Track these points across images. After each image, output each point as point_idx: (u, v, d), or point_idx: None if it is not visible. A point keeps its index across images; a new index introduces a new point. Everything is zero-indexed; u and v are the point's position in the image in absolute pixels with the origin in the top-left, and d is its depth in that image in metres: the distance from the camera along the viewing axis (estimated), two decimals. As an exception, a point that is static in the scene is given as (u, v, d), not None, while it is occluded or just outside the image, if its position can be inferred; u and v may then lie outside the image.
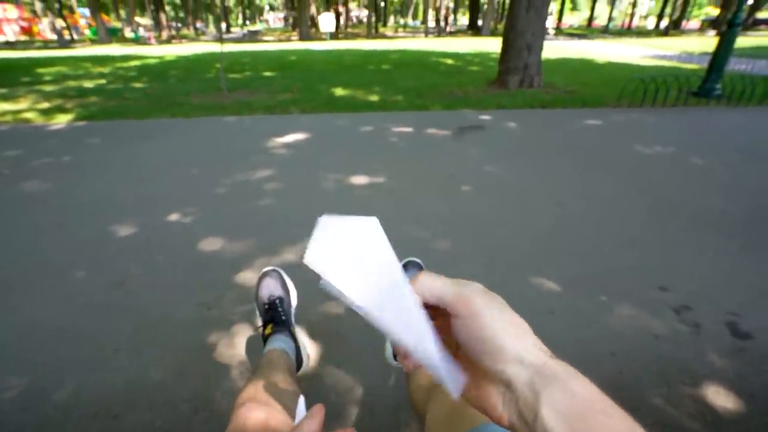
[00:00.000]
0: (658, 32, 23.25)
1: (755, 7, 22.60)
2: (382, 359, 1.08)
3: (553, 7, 31.79)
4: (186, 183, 2.56)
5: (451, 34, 23.81)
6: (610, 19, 29.01)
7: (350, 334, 1.29)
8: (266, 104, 4.85)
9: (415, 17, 60.09)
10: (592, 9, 34.97)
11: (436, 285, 0.27)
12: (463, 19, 45.15)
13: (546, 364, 0.23)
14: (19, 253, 1.80)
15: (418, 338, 0.25)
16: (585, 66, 8.19)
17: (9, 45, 20.54)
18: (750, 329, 1.29)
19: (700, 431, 0.98)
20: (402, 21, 58.71)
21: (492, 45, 11.93)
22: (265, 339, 0.94)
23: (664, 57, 9.83)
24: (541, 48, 5.46)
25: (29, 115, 4.48)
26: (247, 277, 1.59)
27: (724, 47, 4.51)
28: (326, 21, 19.30)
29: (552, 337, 1.26)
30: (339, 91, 5.67)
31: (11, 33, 27.15)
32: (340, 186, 2.49)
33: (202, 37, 25.40)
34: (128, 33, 26.63)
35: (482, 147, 3.23)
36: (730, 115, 4.09)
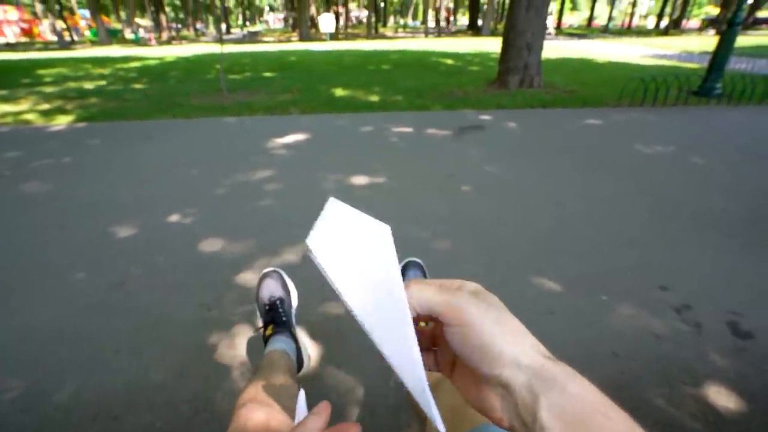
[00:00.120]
0: (658, 31, 23.27)
1: (755, 6, 22.58)
2: (383, 360, 1.08)
3: (553, 7, 31.80)
4: (186, 184, 2.56)
5: (451, 34, 23.82)
6: (610, 18, 29.03)
7: (351, 334, 1.29)
8: (266, 105, 4.85)
9: (414, 17, 60.13)
10: (592, 9, 34.98)
11: (425, 296, 0.26)
12: (463, 19, 45.13)
13: (543, 367, 0.23)
14: (19, 254, 1.80)
15: (406, 363, 0.25)
16: (585, 66, 8.19)
17: (9, 46, 20.58)
18: (751, 328, 1.29)
19: (701, 431, 0.98)
20: (402, 21, 58.74)
21: (492, 45, 11.93)
22: (266, 340, 0.94)
23: (664, 56, 9.83)
24: (541, 48, 5.46)
25: (29, 116, 4.49)
26: (248, 277, 1.59)
27: (725, 46, 4.51)
28: (326, 21, 19.31)
29: (552, 337, 1.26)
30: (339, 92, 5.67)
31: (12, 35, 27.19)
32: (340, 186, 2.49)
33: (202, 38, 25.43)
34: (128, 34, 26.66)
35: (482, 147, 3.23)
36: (731, 115, 4.09)
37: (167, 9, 33.40)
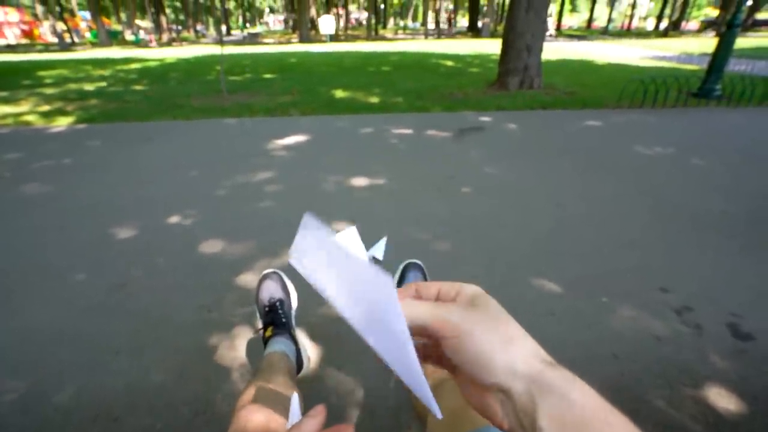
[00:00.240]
0: (657, 33, 23.30)
1: (754, 8, 22.63)
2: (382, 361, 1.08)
3: (553, 9, 31.89)
4: (186, 185, 2.56)
5: (451, 35, 23.86)
6: (609, 20, 29.07)
7: (351, 335, 1.28)
8: (266, 106, 4.86)
9: (414, 19, 60.24)
10: (592, 10, 35.05)
11: (416, 313, 0.26)
12: (463, 21, 45.22)
13: (542, 373, 0.23)
14: (19, 255, 1.80)
15: (400, 359, 0.25)
16: (585, 67, 8.20)
17: (10, 48, 20.63)
18: (751, 330, 1.29)
19: (701, 433, 0.98)
20: (402, 23, 58.84)
21: (492, 46, 11.95)
22: (266, 341, 0.94)
23: (663, 58, 9.84)
24: (540, 49, 5.46)
25: (30, 117, 4.49)
26: (248, 279, 1.59)
27: (724, 48, 4.52)
28: (326, 23, 19.36)
29: (552, 339, 1.26)
30: (339, 93, 5.68)
31: (12, 36, 27.26)
32: (340, 188, 2.49)
33: (203, 40, 25.47)
34: (129, 36, 26.70)
35: (482, 148, 3.23)
36: (730, 116, 4.10)
37: (167, 11, 33.47)
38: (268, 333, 0.95)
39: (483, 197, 2.33)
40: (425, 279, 1.13)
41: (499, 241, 1.86)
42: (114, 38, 25.55)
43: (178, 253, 1.79)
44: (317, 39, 21.40)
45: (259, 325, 1.03)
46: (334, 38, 21.32)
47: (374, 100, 5.24)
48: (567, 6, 41.02)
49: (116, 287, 1.56)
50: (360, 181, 2.57)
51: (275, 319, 0.98)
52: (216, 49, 15.02)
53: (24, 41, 27.61)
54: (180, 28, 40.55)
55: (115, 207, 2.26)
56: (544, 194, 2.35)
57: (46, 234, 1.99)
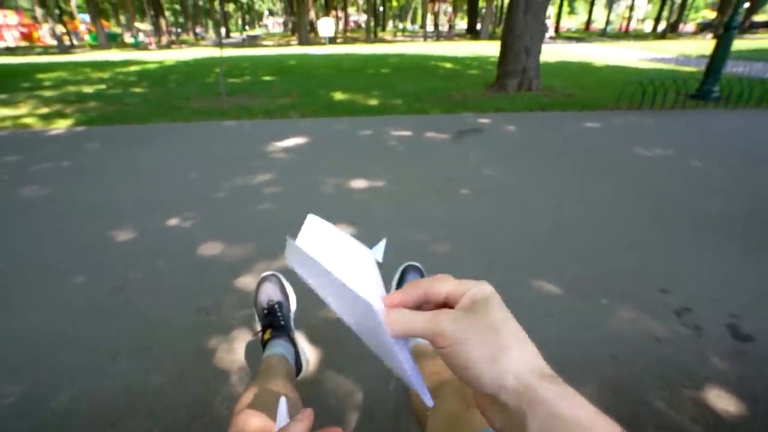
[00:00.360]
0: (655, 35, 23.42)
1: (751, 10, 22.73)
2: (382, 363, 1.08)
3: (551, 11, 31.99)
4: (185, 188, 2.56)
5: (450, 38, 23.93)
6: (607, 22, 29.13)
7: (350, 338, 1.29)
8: (266, 109, 4.86)
9: (413, 21, 60.44)
10: (590, 12, 35.22)
11: (410, 326, 0.26)
12: (461, 23, 45.35)
13: (531, 388, 0.23)
14: (18, 258, 1.80)
15: (390, 356, 0.26)
16: (583, 69, 8.23)
17: (9, 51, 20.64)
18: (751, 331, 1.29)
19: (701, 434, 0.98)
20: (401, 25, 58.98)
21: (490, 49, 11.99)
22: (264, 344, 0.94)
23: (661, 60, 9.88)
24: (539, 51, 5.48)
25: (29, 120, 4.49)
26: (247, 281, 1.59)
27: (722, 50, 4.54)
28: (325, 26, 19.39)
29: (551, 341, 1.26)
30: (338, 96, 5.69)
31: (11, 39, 27.29)
32: (339, 190, 2.49)
33: (202, 42, 25.52)
34: (128, 38, 26.74)
35: (481, 150, 3.23)
36: (728, 118, 4.11)
37: (167, 13, 33.53)
38: (267, 336, 0.95)
39: (482, 199, 2.33)
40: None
41: (498, 243, 1.86)
42: (113, 41, 25.61)
43: (177, 255, 1.79)
44: (316, 41, 21.46)
45: (258, 327, 1.03)
46: (333, 41, 21.39)
47: (373, 102, 5.25)
48: (565, 8, 41.19)
49: (115, 290, 1.56)
50: (359, 183, 2.57)
51: (274, 321, 0.98)
52: (215, 52, 15.05)
53: (23, 44, 27.64)
54: (179, 30, 40.61)
55: (114, 209, 2.25)
56: (543, 196, 2.36)
57: (44, 236, 1.98)
